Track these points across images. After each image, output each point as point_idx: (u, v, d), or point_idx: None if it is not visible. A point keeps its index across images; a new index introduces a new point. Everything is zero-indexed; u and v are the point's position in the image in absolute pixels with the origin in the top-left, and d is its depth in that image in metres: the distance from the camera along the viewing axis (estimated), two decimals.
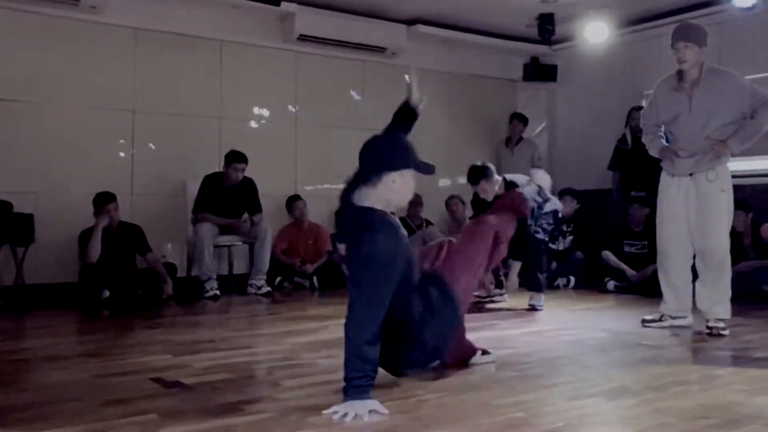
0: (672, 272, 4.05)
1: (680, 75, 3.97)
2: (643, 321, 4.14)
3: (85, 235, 5.37)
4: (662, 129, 4.15)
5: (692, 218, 3.93)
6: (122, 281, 5.42)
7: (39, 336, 4.20)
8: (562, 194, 6.55)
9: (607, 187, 7.04)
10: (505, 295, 5.36)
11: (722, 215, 3.87)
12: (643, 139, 4.23)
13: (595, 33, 7.19)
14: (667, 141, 4.11)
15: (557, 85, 8.25)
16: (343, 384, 2.35)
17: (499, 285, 5.36)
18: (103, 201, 5.42)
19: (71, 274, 5.42)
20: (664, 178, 4.07)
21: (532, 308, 4.96)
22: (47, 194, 5.73)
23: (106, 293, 5.38)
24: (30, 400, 2.52)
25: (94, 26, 6.00)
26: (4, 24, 5.66)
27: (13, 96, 5.67)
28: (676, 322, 4.06)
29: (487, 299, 5.31)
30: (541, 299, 5.01)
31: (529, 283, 5.10)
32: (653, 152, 4.15)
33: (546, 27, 7.31)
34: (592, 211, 6.98)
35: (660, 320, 4.08)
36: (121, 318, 4.89)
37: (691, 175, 3.95)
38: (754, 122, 3.82)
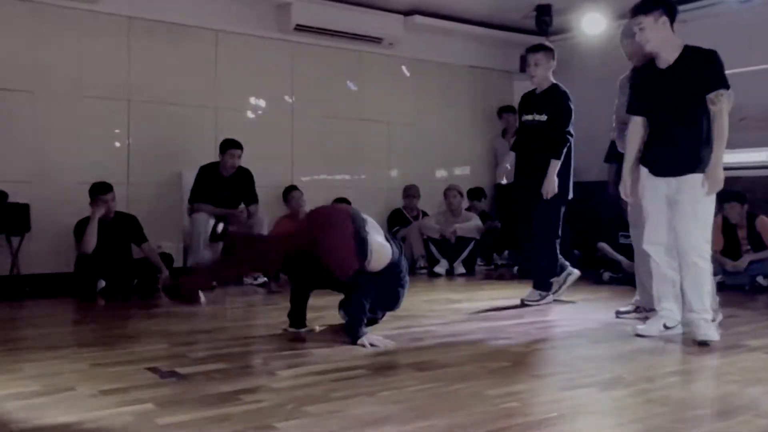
0: None
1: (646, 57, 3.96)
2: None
3: (81, 225, 5.36)
4: None
5: None
6: (118, 271, 5.42)
7: (35, 325, 4.20)
8: None
9: (603, 180, 7.05)
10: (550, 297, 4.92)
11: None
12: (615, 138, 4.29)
13: (592, 24, 7.18)
14: None
15: (553, 76, 8.23)
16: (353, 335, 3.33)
17: (546, 287, 4.87)
18: (99, 191, 5.41)
19: (67, 263, 5.42)
20: None
21: (523, 303, 4.79)
22: (43, 184, 5.72)
23: (102, 283, 5.38)
24: (26, 390, 2.53)
25: (89, 15, 5.97)
26: None
27: (8, 85, 5.64)
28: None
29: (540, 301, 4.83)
30: (538, 295, 4.80)
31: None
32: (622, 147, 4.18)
33: (543, 18, 7.30)
34: (589, 204, 6.99)
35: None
36: (117, 308, 4.89)
37: None
38: None
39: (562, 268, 4.99)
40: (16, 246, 5.43)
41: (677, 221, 3.50)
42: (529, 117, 4.86)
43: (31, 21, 5.75)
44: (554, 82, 4.87)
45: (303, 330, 3.63)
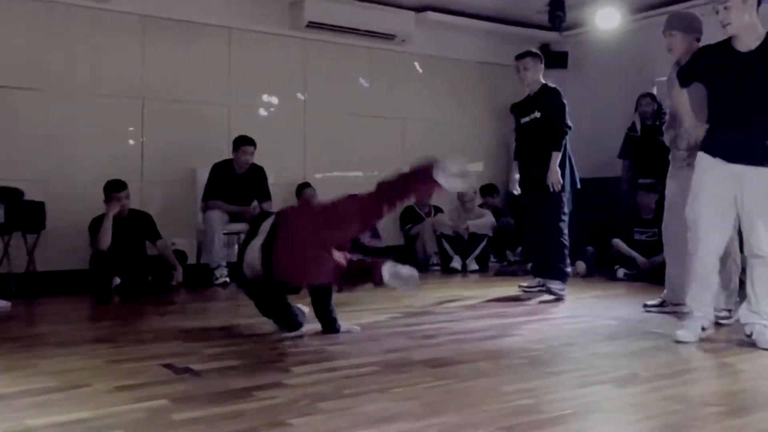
0: None
1: (677, 64, 3.98)
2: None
3: (96, 223, 5.39)
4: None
5: None
6: (133, 268, 5.45)
7: (51, 322, 4.24)
8: None
9: (617, 175, 7.01)
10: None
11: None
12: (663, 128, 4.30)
13: (606, 19, 7.13)
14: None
15: (567, 72, 8.19)
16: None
17: (543, 273, 5.05)
18: (114, 189, 5.44)
19: (82, 261, 5.46)
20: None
21: (548, 291, 4.91)
22: (58, 182, 5.76)
23: (117, 280, 5.41)
24: (43, 386, 2.55)
25: (102, 14, 6.00)
26: (13, 12, 5.67)
27: (23, 84, 5.68)
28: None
29: (536, 288, 5.05)
30: (559, 284, 4.91)
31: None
32: (667, 141, 4.21)
33: (556, 13, 7.25)
34: (602, 200, 6.96)
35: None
36: (132, 305, 4.92)
37: (688, 165, 3.95)
38: None
39: (563, 275, 5.02)
40: (32, 244, 5.47)
41: (744, 214, 3.36)
42: (527, 119, 5.08)
43: (46, 20, 5.79)
44: (544, 82, 5.10)
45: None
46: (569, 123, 4.93)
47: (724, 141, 3.40)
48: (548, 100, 4.95)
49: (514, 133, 5.41)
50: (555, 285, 4.89)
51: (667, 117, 4.28)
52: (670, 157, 4.24)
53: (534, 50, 5.20)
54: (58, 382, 2.59)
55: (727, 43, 3.42)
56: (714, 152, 3.42)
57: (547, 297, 4.90)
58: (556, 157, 4.83)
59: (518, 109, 5.27)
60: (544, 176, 4.84)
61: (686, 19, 4.04)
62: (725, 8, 3.31)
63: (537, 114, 4.96)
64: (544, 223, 4.97)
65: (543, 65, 5.12)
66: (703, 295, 3.47)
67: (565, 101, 4.96)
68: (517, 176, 5.16)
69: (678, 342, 3.37)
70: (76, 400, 2.36)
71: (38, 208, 5.47)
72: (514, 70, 5.21)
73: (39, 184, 5.60)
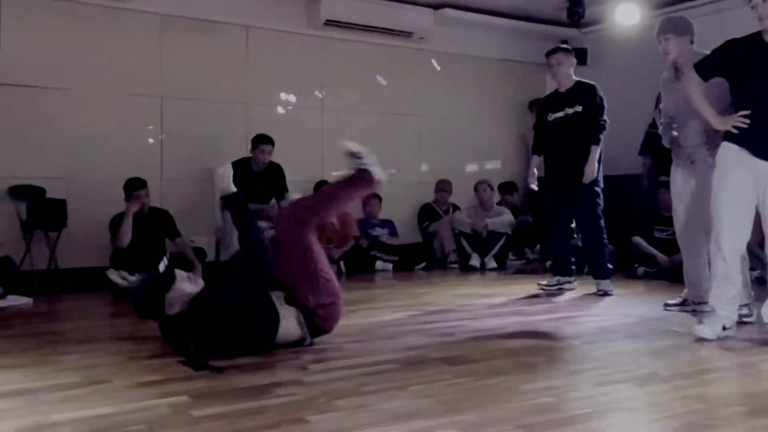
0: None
1: (674, 66, 4.05)
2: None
3: (116, 221, 5.44)
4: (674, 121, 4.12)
5: None
6: (152, 265, 5.48)
7: (72, 319, 4.29)
8: None
9: (638, 173, 6.94)
10: (575, 283, 5.21)
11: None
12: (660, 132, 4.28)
13: (626, 15, 7.07)
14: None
15: (587, 68, 8.10)
16: None
17: (566, 272, 5.17)
18: (134, 187, 5.49)
19: (103, 258, 5.51)
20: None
21: (604, 293, 4.92)
22: (79, 180, 5.83)
23: (137, 277, 5.45)
24: (65, 382, 2.58)
25: (121, 13, 6.05)
26: (33, 12, 5.73)
27: (44, 83, 5.75)
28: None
29: (556, 286, 5.11)
30: (609, 284, 4.97)
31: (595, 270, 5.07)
32: (666, 142, 4.21)
33: (575, 9, 7.21)
34: (623, 197, 6.90)
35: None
36: None
37: (692, 162, 4.02)
38: None
39: (570, 272, 5.16)
40: (54, 241, 5.54)
41: (766, 211, 3.31)
42: (559, 114, 5.02)
43: (65, 20, 5.85)
44: (577, 78, 5.08)
45: None
46: (607, 119, 4.98)
47: (753, 135, 3.33)
48: (589, 95, 4.95)
49: (533, 130, 5.39)
50: (606, 285, 4.95)
51: (662, 118, 4.23)
52: (672, 155, 4.22)
53: (564, 46, 5.21)
54: (81, 378, 2.62)
55: (758, 37, 3.36)
56: (742, 144, 3.35)
57: (568, 291, 5.02)
58: (595, 152, 4.85)
59: (546, 104, 5.22)
60: (581, 174, 4.85)
61: (678, 22, 4.12)
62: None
63: (578, 108, 4.92)
64: (583, 222, 5.03)
65: (575, 60, 5.13)
66: (726, 294, 3.42)
67: (603, 96, 5.00)
68: (536, 171, 5.17)
69: (697, 338, 3.33)
70: (99, 396, 2.39)
71: (60, 206, 5.53)
72: (538, 67, 5.30)
73: (60, 183, 5.67)
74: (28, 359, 2.96)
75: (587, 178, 4.85)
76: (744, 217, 3.37)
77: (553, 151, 5.10)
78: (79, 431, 2.05)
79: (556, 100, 5.09)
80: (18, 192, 5.51)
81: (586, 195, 4.92)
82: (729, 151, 3.40)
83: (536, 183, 5.18)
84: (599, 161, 4.95)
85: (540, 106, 5.36)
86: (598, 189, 4.96)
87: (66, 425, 2.09)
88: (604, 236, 5.02)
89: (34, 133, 5.68)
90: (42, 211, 5.46)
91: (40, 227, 5.49)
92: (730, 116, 3.43)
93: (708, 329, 3.37)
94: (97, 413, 2.19)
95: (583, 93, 4.97)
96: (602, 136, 4.92)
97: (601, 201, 5.00)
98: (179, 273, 3.07)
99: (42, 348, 3.22)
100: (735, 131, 3.37)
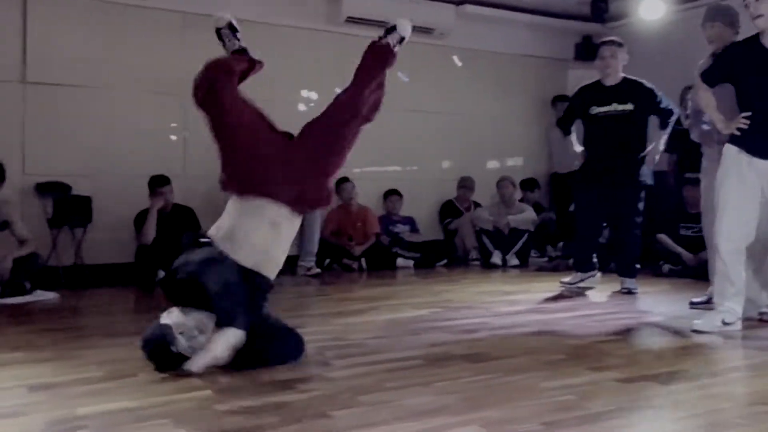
0: None
1: (713, 56, 3.93)
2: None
3: (141, 217, 5.50)
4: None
5: None
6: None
7: (98, 314, 4.35)
8: None
9: (663, 170, 6.86)
10: (598, 276, 5.06)
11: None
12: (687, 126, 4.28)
13: (651, 10, 6.99)
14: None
15: None
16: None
17: (589, 267, 5.02)
18: (158, 184, 5.55)
19: (128, 254, 5.58)
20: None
21: (628, 291, 4.86)
22: (104, 177, 5.89)
23: (161, 273, 5.50)
24: (91, 376, 2.61)
25: (144, 11, 6.11)
26: (58, 11, 5.80)
27: (69, 81, 5.82)
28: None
29: (578, 283, 5.00)
30: (635, 283, 4.90)
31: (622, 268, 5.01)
32: (695, 136, 4.18)
33: (599, 4, 7.15)
34: (647, 194, 6.82)
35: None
36: None
37: None
38: None
39: (593, 267, 5.02)
40: (80, 237, 5.61)
41: None
42: (605, 109, 4.85)
43: (88, 18, 5.91)
44: (624, 75, 4.94)
45: None
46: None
47: (752, 134, 3.35)
48: (642, 91, 4.84)
49: (557, 126, 5.30)
50: (631, 284, 4.89)
51: (690, 112, 4.17)
52: (702, 150, 4.16)
53: (619, 39, 5.02)
54: (106, 372, 2.65)
55: (755, 40, 3.39)
56: (740, 145, 3.38)
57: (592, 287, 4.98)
58: (664, 137, 4.81)
59: (589, 95, 4.97)
60: (630, 171, 4.78)
61: (729, 11, 3.99)
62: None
63: (629, 106, 4.81)
64: (622, 219, 4.92)
65: (627, 56, 4.98)
66: (725, 291, 3.43)
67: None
68: (581, 148, 4.99)
69: (694, 331, 3.37)
70: (124, 390, 2.42)
71: (85, 202, 5.61)
72: (560, 62, 5.14)
73: (86, 179, 5.74)
74: (54, 353, 3.01)
75: (654, 159, 4.81)
76: (743, 219, 3.38)
77: (596, 146, 4.87)
78: (105, 425, 2.08)
79: (603, 93, 4.86)
80: (44, 189, 5.59)
81: (632, 192, 4.83)
82: (729, 153, 3.44)
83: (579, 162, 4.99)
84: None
85: (580, 96, 5.06)
86: (642, 189, 4.88)
87: (92, 419, 2.12)
88: (639, 235, 4.94)
89: (60, 130, 5.75)
90: (68, 207, 5.54)
91: (66, 224, 5.57)
92: (734, 120, 3.44)
93: (704, 321, 3.39)
94: (122, 407, 2.22)
95: (635, 92, 4.81)
96: (671, 121, 4.81)
97: (642, 201, 4.91)
98: (175, 327, 2.68)
99: (68, 342, 3.27)
100: (738, 133, 3.40)
